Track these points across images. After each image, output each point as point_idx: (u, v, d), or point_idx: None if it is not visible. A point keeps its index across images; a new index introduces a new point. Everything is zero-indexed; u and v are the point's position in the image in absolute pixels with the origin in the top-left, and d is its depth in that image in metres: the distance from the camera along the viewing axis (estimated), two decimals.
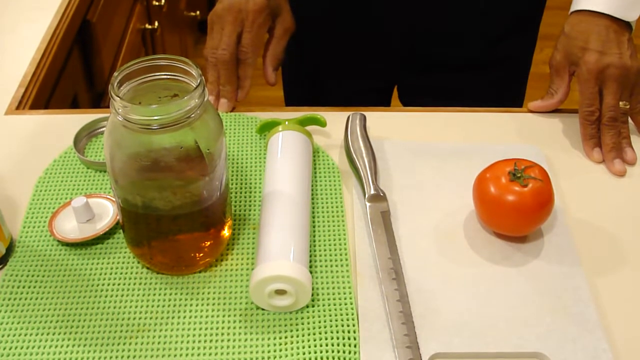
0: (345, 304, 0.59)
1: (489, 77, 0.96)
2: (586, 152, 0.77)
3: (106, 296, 0.60)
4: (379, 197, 0.68)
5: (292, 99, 1.08)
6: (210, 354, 0.56)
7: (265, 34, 0.82)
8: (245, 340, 0.57)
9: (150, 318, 0.59)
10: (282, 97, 1.09)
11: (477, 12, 0.89)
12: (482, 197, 0.64)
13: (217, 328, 0.58)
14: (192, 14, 2.20)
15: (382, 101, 1.07)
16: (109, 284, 0.61)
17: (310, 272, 0.61)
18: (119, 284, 0.61)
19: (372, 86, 1.03)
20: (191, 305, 0.60)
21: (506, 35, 0.92)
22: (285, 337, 0.57)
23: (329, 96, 1.02)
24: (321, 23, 0.94)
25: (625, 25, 0.77)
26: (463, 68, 0.94)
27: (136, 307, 0.60)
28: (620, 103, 0.76)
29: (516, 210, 0.62)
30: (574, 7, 0.79)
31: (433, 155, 0.75)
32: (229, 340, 0.57)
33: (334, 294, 0.60)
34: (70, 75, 1.08)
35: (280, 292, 0.58)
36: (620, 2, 0.76)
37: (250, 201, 0.70)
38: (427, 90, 0.97)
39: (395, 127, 0.79)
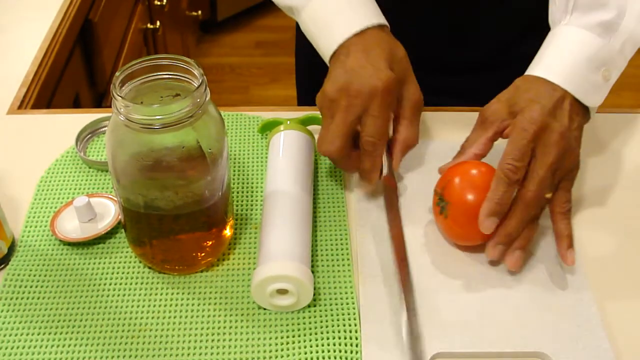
0: (347, 304, 0.59)
1: (506, 77, 0.94)
2: (481, 220, 0.59)
3: (108, 296, 0.60)
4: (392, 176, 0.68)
5: (304, 100, 1.08)
6: (212, 354, 0.56)
7: (391, 115, 0.66)
8: (247, 339, 0.57)
9: (152, 317, 0.59)
10: (285, 97, 1.10)
11: (493, 13, 0.87)
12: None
13: (219, 327, 0.58)
14: (194, 13, 2.20)
15: None
16: (110, 284, 0.61)
17: (312, 272, 0.61)
18: (120, 284, 0.61)
19: None
20: (193, 304, 0.60)
21: (523, 35, 0.90)
22: (287, 337, 0.57)
23: None
24: None
25: (583, 108, 0.64)
26: (477, 69, 0.93)
27: (138, 306, 0.60)
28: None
29: (453, 236, 0.65)
30: (531, 70, 0.66)
31: (441, 154, 0.74)
32: (230, 339, 0.57)
33: (335, 293, 0.60)
34: (72, 75, 1.08)
35: (282, 292, 0.58)
36: (582, 80, 0.63)
37: (252, 201, 0.70)
38: (437, 91, 0.96)
39: None
